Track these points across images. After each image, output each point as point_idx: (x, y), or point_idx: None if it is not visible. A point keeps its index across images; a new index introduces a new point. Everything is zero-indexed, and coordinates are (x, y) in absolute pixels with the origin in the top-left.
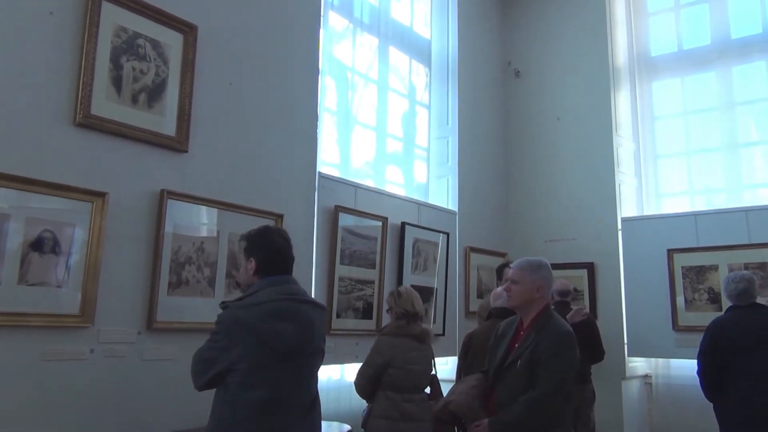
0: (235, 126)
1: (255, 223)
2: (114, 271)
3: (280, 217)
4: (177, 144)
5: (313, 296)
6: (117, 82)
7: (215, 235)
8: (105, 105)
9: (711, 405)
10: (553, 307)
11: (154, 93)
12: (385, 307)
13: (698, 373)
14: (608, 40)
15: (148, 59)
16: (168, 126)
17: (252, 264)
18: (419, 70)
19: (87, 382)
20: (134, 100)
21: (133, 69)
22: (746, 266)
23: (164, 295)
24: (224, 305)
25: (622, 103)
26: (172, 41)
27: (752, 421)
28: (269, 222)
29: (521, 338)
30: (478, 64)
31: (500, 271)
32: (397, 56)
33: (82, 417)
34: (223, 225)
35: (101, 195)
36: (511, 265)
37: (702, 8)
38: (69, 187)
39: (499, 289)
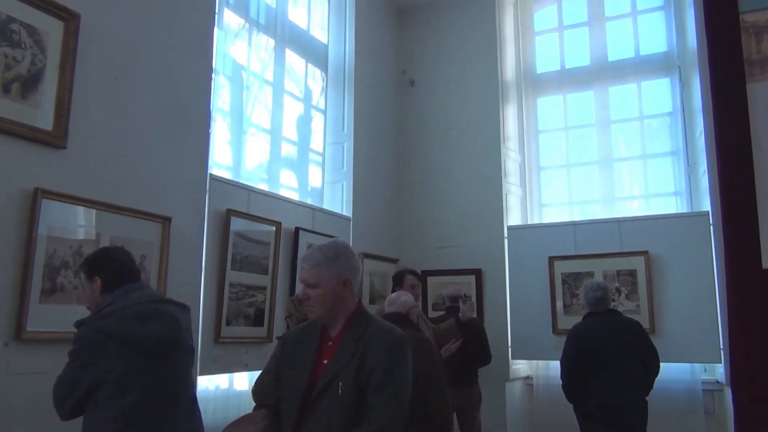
0: (120, 122)
1: (139, 225)
2: None
3: (168, 220)
4: (54, 139)
5: (201, 304)
6: None
7: (94, 237)
8: None
9: None
10: (443, 313)
11: (30, 83)
12: (285, 314)
13: (561, 377)
14: (498, 55)
15: (23, 46)
16: (44, 119)
17: (97, 283)
18: (315, 75)
19: None
20: (6, 89)
21: (6, 56)
22: (618, 273)
23: (36, 303)
24: (79, 323)
25: (509, 116)
26: (52, 29)
27: (609, 420)
28: (155, 225)
29: (333, 352)
30: (374, 71)
31: (398, 278)
32: (294, 59)
33: None
34: (104, 227)
35: None
36: (299, 262)
37: (583, 31)
38: None
39: (394, 294)
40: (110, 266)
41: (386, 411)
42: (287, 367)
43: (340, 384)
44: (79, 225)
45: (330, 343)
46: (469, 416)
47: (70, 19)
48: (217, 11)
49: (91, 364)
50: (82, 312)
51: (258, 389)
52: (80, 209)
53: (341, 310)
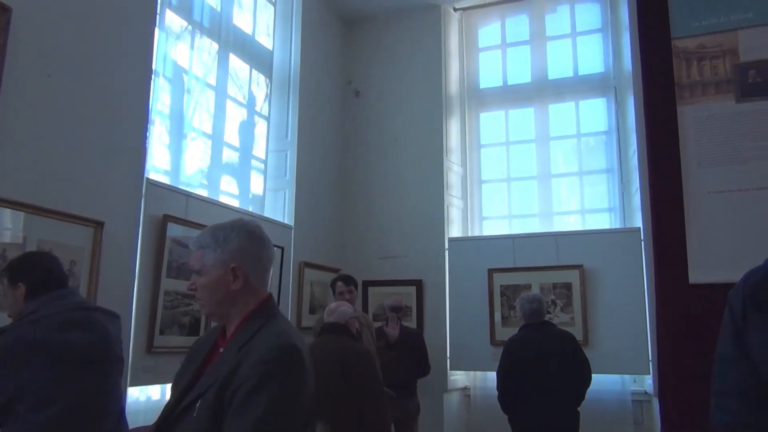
0: (52, 122)
1: (70, 229)
2: None
3: (100, 224)
4: None
5: (133, 312)
6: None
7: (21, 241)
8: None
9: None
10: (384, 323)
11: None
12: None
13: (498, 388)
14: (442, 70)
15: None
16: None
17: (20, 289)
18: (260, 81)
19: None
20: None
21: None
22: (554, 286)
23: None
24: None
25: (453, 129)
26: None
27: (542, 430)
28: (87, 229)
29: (215, 360)
30: (319, 79)
31: (333, 285)
32: (237, 64)
33: None
34: (32, 231)
35: None
36: (191, 245)
37: (524, 49)
38: None
39: (334, 304)
40: (35, 271)
41: None
42: (177, 378)
43: (198, 405)
44: (4, 227)
45: (222, 350)
46: (407, 427)
47: (0, 12)
48: (158, 12)
49: (12, 375)
50: (4, 320)
51: None
52: (6, 211)
53: (235, 306)
